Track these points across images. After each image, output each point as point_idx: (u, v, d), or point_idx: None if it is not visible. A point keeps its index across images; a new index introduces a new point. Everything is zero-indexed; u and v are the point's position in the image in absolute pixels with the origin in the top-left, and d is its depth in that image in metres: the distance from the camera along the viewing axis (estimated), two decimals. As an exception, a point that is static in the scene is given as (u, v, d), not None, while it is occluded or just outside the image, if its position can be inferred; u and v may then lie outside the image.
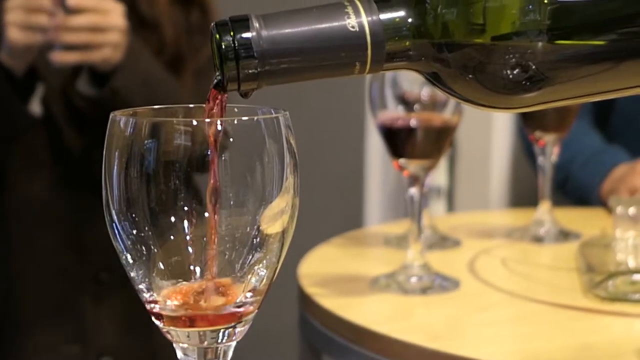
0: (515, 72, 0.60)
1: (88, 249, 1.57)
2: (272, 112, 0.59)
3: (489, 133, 2.27)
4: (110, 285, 1.57)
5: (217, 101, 0.59)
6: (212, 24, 0.59)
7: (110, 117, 0.57)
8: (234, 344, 0.58)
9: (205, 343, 0.57)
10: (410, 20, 0.60)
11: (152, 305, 0.58)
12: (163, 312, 0.57)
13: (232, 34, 0.58)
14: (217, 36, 0.58)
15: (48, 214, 1.56)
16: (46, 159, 1.57)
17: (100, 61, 1.45)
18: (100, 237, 1.54)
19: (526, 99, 0.61)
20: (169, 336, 0.58)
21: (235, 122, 0.57)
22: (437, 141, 1.18)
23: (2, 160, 1.55)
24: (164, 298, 0.57)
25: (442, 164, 2.32)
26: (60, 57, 1.44)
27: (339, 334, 1.08)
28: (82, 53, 1.43)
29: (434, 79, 0.63)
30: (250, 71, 0.58)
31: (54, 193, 1.56)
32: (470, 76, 0.61)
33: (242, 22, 0.58)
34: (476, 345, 1.00)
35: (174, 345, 0.58)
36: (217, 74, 0.59)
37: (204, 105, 0.60)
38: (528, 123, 1.43)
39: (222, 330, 0.57)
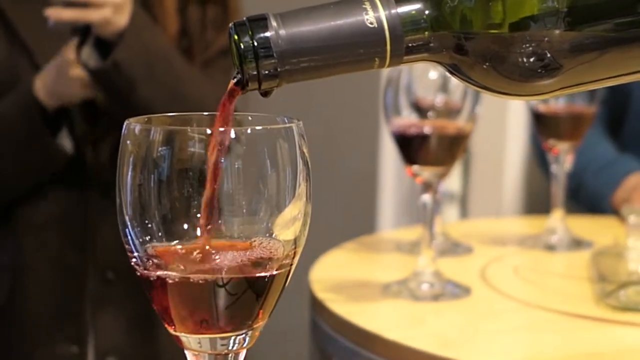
0: (532, 59, 0.60)
1: (94, 248, 1.57)
2: (286, 121, 0.59)
3: (504, 139, 2.27)
4: (116, 285, 1.57)
5: (234, 99, 0.59)
6: (230, 25, 0.59)
7: (125, 124, 0.58)
8: (244, 351, 0.59)
9: (217, 350, 0.58)
10: (427, 12, 0.60)
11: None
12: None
13: (250, 34, 0.58)
14: (236, 37, 0.58)
15: (56, 213, 1.56)
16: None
17: (101, 22, 1.40)
18: (106, 236, 1.55)
19: (544, 85, 0.62)
20: (179, 343, 0.59)
21: (249, 131, 0.57)
22: (451, 148, 1.18)
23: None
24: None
25: (456, 170, 2.32)
26: (57, 14, 1.38)
27: (349, 340, 1.08)
28: (80, 10, 1.38)
29: (453, 69, 0.63)
30: (270, 71, 0.58)
31: (63, 193, 1.57)
32: (488, 64, 0.61)
33: (260, 22, 0.58)
34: (486, 353, 1.00)
35: (185, 351, 0.59)
36: (237, 73, 0.59)
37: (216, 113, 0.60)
38: (542, 131, 1.43)
39: (232, 337, 0.58)
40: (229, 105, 0.59)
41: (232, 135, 0.56)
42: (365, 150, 2.41)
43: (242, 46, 0.58)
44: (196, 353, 0.58)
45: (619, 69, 0.63)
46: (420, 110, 1.19)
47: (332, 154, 2.38)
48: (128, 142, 0.57)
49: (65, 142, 1.52)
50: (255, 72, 0.58)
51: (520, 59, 0.60)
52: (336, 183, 2.38)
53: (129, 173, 0.57)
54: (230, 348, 0.58)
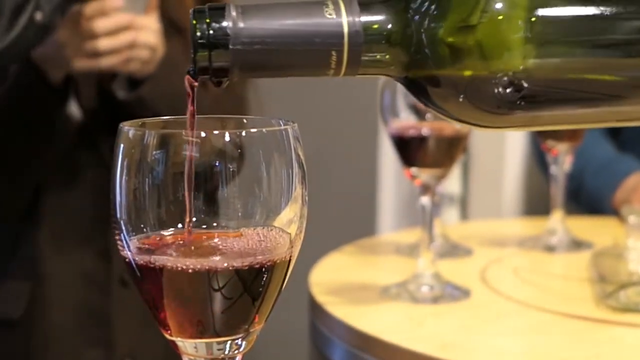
0: (504, 90, 0.58)
1: (114, 252, 1.57)
2: (282, 123, 0.59)
3: (503, 141, 2.27)
4: (132, 286, 1.57)
5: (193, 91, 0.58)
6: (191, 10, 0.58)
7: (119, 127, 0.57)
8: (241, 356, 0.58)
9: (213, 354, 0.57)
10: (389, 26, 0.59)
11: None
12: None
13: (207, 21, 0.57)
14: (194, 22, 0.57)
15: (78, 218, 1.57)
16: (81, 167, 1.57)
17: (128, 72, 1.48)
18: None
19: (514, 118, 0.60)
20: (175, 348, 0.58)
21: (244, 133, 0.57)
22: (449, 150, 1.17)
23: (40, 166, 1.55)
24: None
25: (456, 172, 2.32)
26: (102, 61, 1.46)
27: (349, 343, 1.08)
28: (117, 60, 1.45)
29: (406, 84, 0.62)
30: (222, 62, 0.57)
31: (85, 198, 1.57)
32: (448, 98, 0.60)
33: (220, 11, 0.57)
34: (486, 356, 1.00)
35: (182, 356, 0.58)
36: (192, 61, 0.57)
37: (212, 116, 0.60)
38: (540, 132, 1.42)
39: (229, 342, 0.57)
40: (189, 99, 0.58)
41: (227, 138, 0.56)
42: (365, 153, 2.40)
43: (198, 33, 0.57)
44: (192, 358, 0.58)
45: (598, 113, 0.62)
46: (418, 111, 1.19)
47: (332, 157, 2.38)
48: (122, 145, 0.57)
49: (74, 110, 1.52)
50: (207, 62, 0.57)
51: (494, 90, 0.59)
52: (336, 185, 2.38)
53: (124, 177, 0.57)
54: (226, 352, 0.58)
